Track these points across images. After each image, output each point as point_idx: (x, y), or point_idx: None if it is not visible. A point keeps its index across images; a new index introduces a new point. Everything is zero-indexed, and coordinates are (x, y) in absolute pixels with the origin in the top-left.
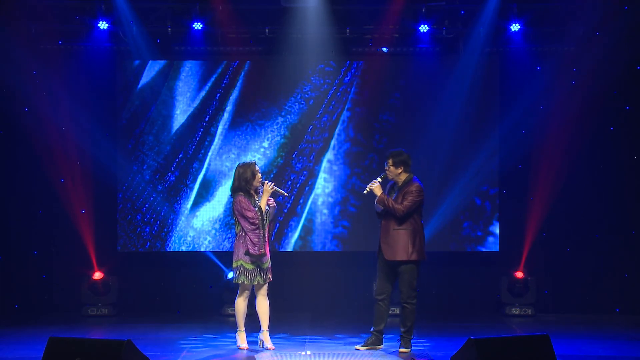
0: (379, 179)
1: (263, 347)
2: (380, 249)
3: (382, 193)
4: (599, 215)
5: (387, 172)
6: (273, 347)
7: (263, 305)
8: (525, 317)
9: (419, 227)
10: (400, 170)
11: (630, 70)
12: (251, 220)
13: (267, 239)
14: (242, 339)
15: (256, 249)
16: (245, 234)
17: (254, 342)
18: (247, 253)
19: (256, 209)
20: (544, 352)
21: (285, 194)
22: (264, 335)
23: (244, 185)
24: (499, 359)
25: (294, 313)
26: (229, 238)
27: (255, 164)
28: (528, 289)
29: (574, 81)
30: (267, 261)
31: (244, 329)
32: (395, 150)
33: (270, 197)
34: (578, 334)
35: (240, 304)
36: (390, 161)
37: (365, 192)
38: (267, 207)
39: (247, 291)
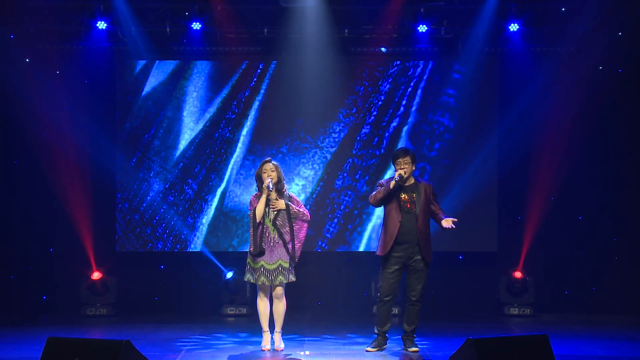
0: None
1: (273, 347)
2: (408, 249)
3: (442, 219)
4: (598, 215)
5: (404, 170)
6: (281, 348)
7: (275, 306)
8: (524, 317)
9: None
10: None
11: (629, 70)
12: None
13: (268, 241)
14: (265, 340)
15: (249, 246)
16: None
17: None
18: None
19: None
20: (543, 352)
21: (265, 186)
22: (275, 336)
23: (258, 183)
24: (498, 359)
25: (293, 313)
26: (227, 238)
27: (265, 162)
28: (527, 288)
29: (573, 81)
30: (258, 262)
31: (267, 329)
32: (406, 146)
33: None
34: (577, 334)
35: (260, 305)
36: (409, 158)
37: (452, 227)
38: (278, 210)
39: (261, 291)
